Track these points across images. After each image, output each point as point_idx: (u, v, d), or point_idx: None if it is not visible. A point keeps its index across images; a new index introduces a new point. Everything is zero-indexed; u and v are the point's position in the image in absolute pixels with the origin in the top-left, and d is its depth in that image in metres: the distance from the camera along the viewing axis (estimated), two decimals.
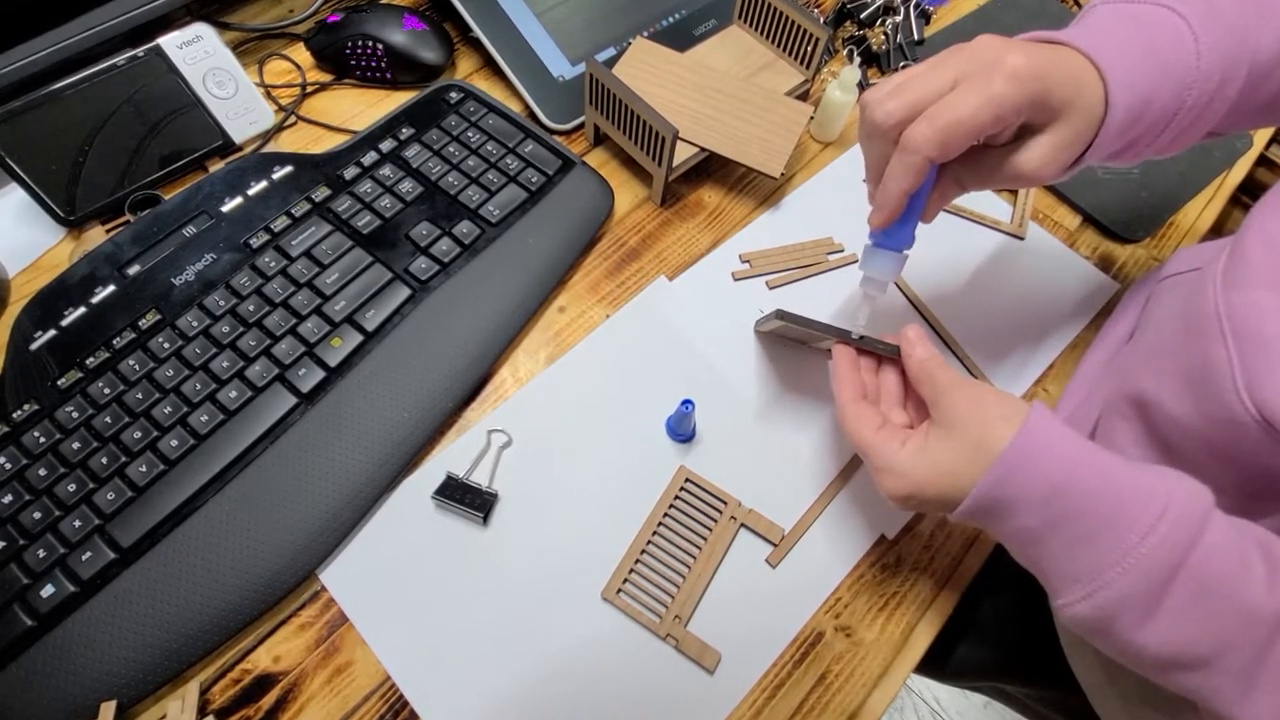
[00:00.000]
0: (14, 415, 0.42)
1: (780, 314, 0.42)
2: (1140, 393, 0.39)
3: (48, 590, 0.37)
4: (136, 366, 0.43)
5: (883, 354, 0.41)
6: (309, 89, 0.59)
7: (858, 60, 0.63)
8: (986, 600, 0.58)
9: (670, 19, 0.62)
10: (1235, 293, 0.34)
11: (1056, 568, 0.32)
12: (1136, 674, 0.43)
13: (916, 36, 0.65)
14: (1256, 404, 0.31)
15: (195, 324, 0.45)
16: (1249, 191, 0.69)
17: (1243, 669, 0.29)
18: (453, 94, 0.56)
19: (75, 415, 0.42)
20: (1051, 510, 0.31)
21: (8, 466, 0.40)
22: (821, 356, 0.49)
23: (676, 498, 0.44)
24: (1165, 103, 0.35)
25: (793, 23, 0.55)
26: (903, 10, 0.66)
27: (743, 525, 0.43)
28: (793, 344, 0.50)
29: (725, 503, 0.44)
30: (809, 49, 0.56)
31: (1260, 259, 0.34)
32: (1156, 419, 0.38)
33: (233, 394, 0.43)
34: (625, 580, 0.41)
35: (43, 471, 0.40)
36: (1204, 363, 0.34)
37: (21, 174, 0.47)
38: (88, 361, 0.43)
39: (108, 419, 0.42)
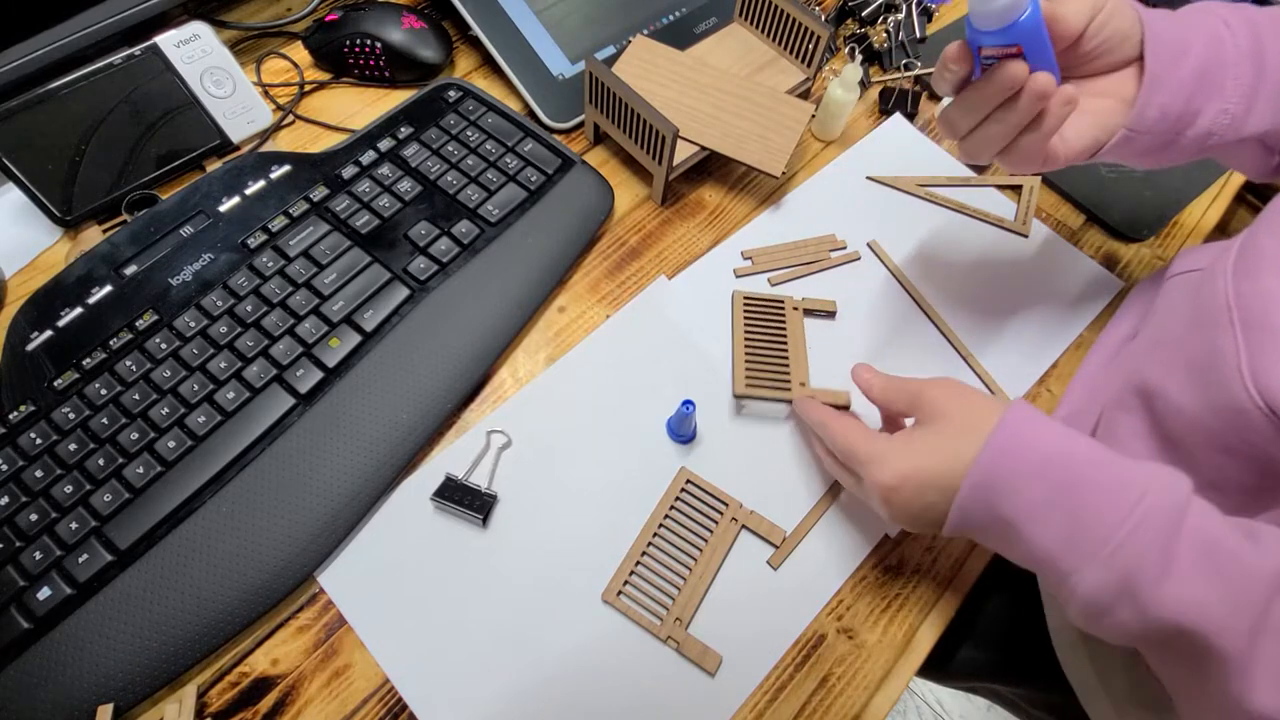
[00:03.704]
0: (10, 416, 0.41)
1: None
2: (1144, 384, 0.39)
3: (44, 593, 0.37)
4: (133, 367, 0.43)
5: (835, 405, 0.44)
6: (307, 88, 0.58)
7: (859, 58, 0.63)
8: (988, 602, 0.58)
9: (670, 16, 0.62)
10: (1246, 282, 0.33)
11: (1068, 540, 0.31)
12: (1127, 674, 0.43)
13: (918, 34, 0.65)
14: (1261, 391, 0.31)
15: (193, 324, 0.44)
16: (1254, 190, 0.68)
17: (1249, 631, 0.29)
18: (451, 93, 0.56)
19: (72, 416, 0.41)
20: (1056, 476, 0.31)
21: (4, 468, 0.40)
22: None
23: (677, 499, 0.43)
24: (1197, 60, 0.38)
25: (794, 20, 0.55)
26: (904, 8, 0.66)
27: (744, 527, 0.43)
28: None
29: (726, 504, 0.43)
30: (810, 47, 0.56)
31: (1273, 249, 0.33)
32: (1160, 411, 0.38)
33: (230, 395, 0.43)
34: (626, 582, 0.41)
35: (39, 473, 0.40)
36: (1210, 351, 0.34)
37: (18, 174, 0.47)
38: (84, 362, 0.43)
39: (104, 420, 0.41)
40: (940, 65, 0.36)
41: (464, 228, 0.50)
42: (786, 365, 0.47)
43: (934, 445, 0.35)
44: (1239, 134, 0.39)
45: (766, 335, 0.48)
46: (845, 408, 0.45)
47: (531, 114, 0.57)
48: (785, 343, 0.48)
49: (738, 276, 0.52)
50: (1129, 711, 0.43)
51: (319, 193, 0.50)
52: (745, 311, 0.49)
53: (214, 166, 0.53)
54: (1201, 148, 0.40)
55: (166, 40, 0.49)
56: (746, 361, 0.47)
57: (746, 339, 0.48)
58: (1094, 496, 0.31)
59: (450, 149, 0.53)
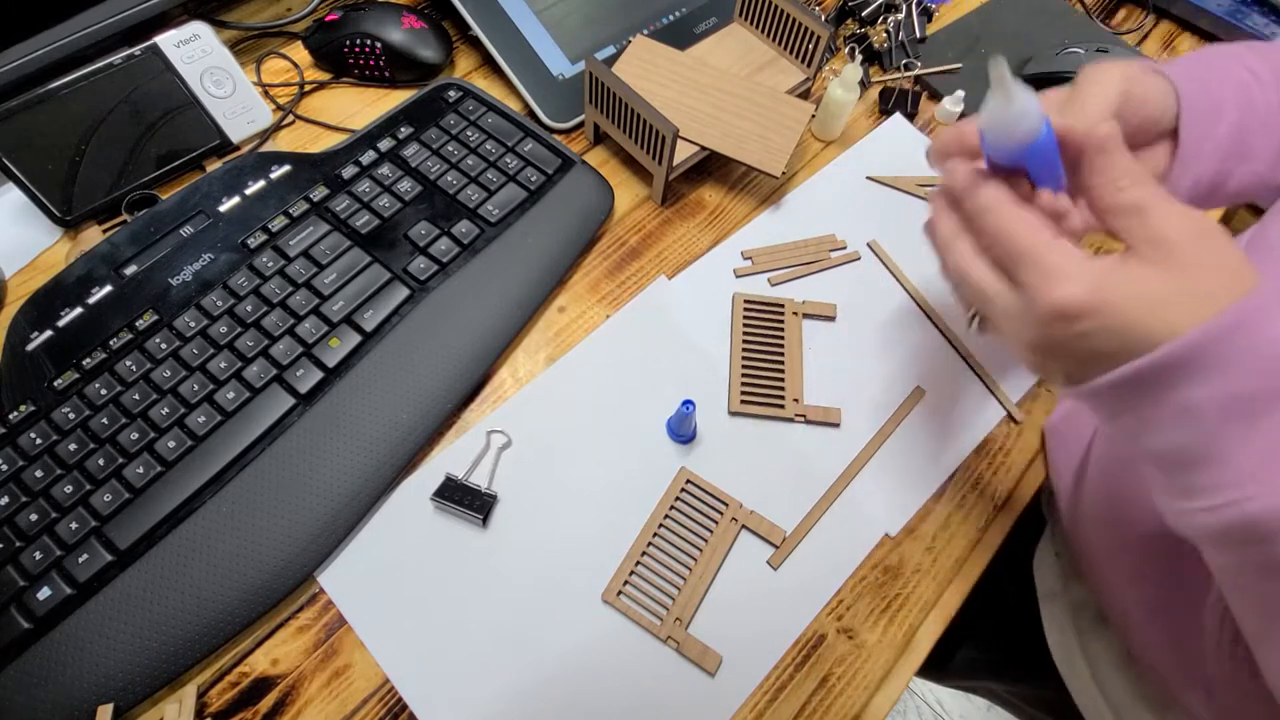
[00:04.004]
0: (10, 416, 0.41)
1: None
2: None
3: (44, 593, 0.37)
4: (133, 367, 0.43)
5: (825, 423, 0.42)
6: (307, 88, 0.58)
7: (859, 58, 0.63)
8: (988, 601, 0.58)
9: (670, 16, 0.62)
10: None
11: (1261, 449, 0.26)
12: (1123, 675, 0.43)
13: (918, 34, 0.65)
14: None
15: (193, 324, 0.44)
16: None
17: None
18: (451, 92, 0.56)
19: (72, 416, 0.41)
20: None
21: (4, 468, 0.40)
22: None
23: (677, 499, 0.43)
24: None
25: (794, 20, 0.55)
26: (904, 8, 0.66)
27: (744, 527, 0.43)
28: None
29: (726, 504, 0.43)
30: (810, 47, 0.55)
31: None
32: None
33: (230, 395, 0.43)
34: (626, 582, 0.41)
35: (39, 473, 0.40)
36: None
37: (18, 174, 0.47)
38: (84, 362, 0.43)
39: (104, 420, 0.41)
40: (939, 150, 0.33)
41: (464, 228, 0.50)
42: (782, 380, 0.47)
43: (1145, 289, 0.26)
44: (1266, 188, 0.38)
45: (764, 344, 0.49)
46: (836, 425, 0.45)
47: (531, 114, 0.57)
48: (782, 353, 0.48)
49: (738, 276, 0.52)
50: (1125, 712, 0.44)
51: (319, 193, 0.50)
52: (745, 316, 0.49)
53: (214, 166, 0.53)
54: (1227, 200, 0.39)
55: (166, 40, 0.49)
56: (743, 377, 0.47)
57: (745, 348, 0.48)
58: None
59: (450, 149, 0.53)
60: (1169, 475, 0.29)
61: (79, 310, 0.45)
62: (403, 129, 0.53)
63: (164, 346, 0.44)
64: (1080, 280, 0.27)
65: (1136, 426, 0.28)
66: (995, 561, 0.44)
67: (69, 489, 0.40)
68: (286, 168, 0.51)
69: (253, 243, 0.48)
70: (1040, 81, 0.62)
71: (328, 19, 0.58)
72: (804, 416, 0.46)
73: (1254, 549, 0.26)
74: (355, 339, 0.45)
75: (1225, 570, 0.29)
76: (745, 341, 0.49)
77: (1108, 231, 0.29)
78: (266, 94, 0.57)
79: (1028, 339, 0.29)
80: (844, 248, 0.54)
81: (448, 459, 0.44)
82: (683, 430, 0.44)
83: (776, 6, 0.56)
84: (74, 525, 0.39)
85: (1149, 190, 0.27)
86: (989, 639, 0.59)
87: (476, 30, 0.57)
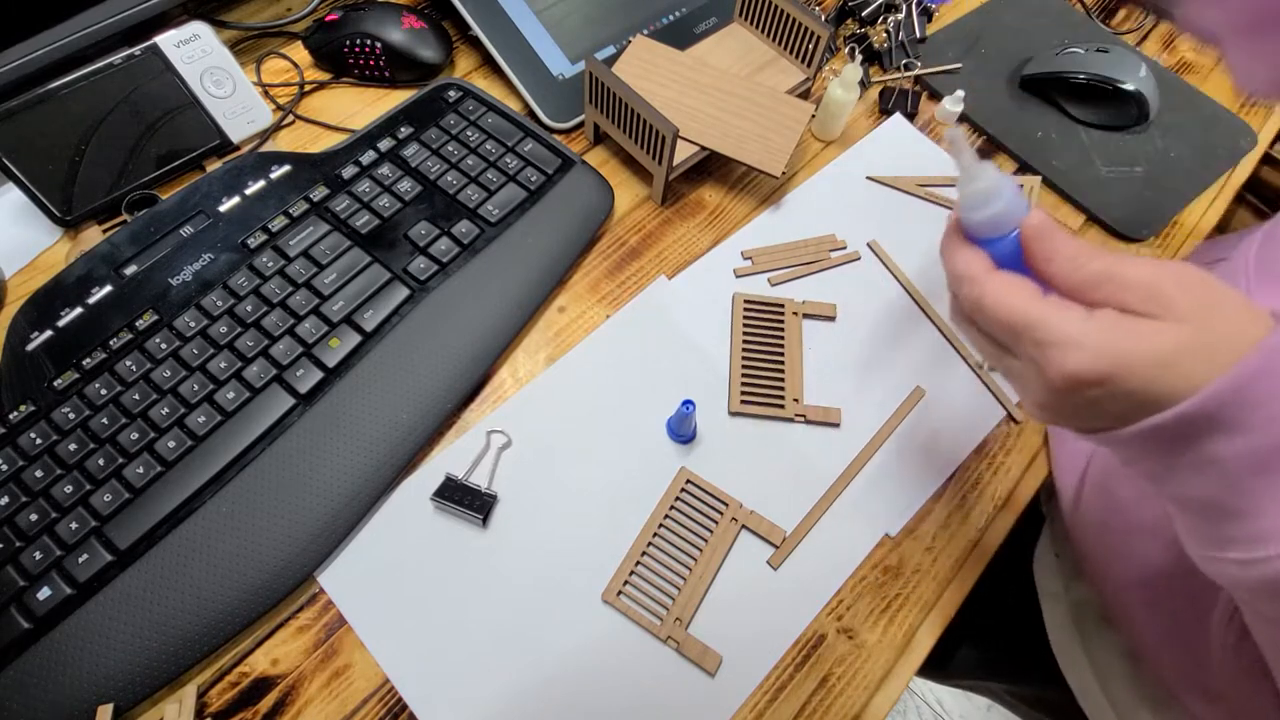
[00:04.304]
0: (10, 416, 0.41)
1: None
2: None
3: (44, 593, 0.37)
4: (133, 367, 0.43)
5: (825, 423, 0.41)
6: (307, 88, 0.58)
7: (859, 58, 0.63)
8: (988, 601, 0.58)
9: (670, 16, 0.62)
10: (1267, 273, 0.32)
11: None
12: (1126, 675, 0.43)
13: (918, 34, 0.65)
14: None
15: (193, 324, 0.44)
16: (1254, 190, 0.68)
17: None
18: (451, 92, 0.56)
19: (72, 416, 0.41)
20: None
21: (4, 468, 0.40)
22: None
23: (677, 499, 0.43)
24: None
25: (794, 20, 0.55)
26: (904, 8, 0.66)
27: (744, 527, 0.43)
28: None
29: (726, 504, 0.43)
30: (810, 47, 0.55)
31: None
32: None
33: (230, 395, 0.43)
34: (626, 582, 0.41)
35: (39, 473, 0.40)
36: None
37: (18, 174, 0.47)
38: (84, 362, 0.43)
39: (104, 420, 0.41)
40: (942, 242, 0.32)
41: (464, 228, 0.50)
42: (782, 380, 0.47)
43: (1160, 345, 0.25)
44: None
45: (764, 344, 0.49)
46: (836, 425, 0.45)
47: (531, 114, 0.57)
48: (782, 353, 0.48)
49: (738, 276, 0.52)
50: (1128, 712, 0.43)
51: (319, 193, 0.50)
52: (745, 316, 0.49)
53: (214, 166, 0.53)
54: None
55: (166, 40, 0.49)
56: (743, 377, 0.47)
57: (745, 348, 0.48)
58: None
59: (450, 149, 0.53)
60: (1197, 521, 0.27)
61: (79, 310, 0.45)
62: (403, 129, 0.53)
63: (164, 346, 0.44)
64: (1088, 347, 0.26)
65: (1159, 474, 0.27)
66: (995, 561, 0.44)
67: (69, 489, 0.40)
68: (286, 168, 0.51)
69: (253, 243, 0.48)
70: (1040, 82, 0.62)
71: (328, 19, 0.58)
72: (804, 416, 0.46)
73: None
74: (355, 339, 0.45)
75: (1258, 617, 0.28)
76: (745, 341, 0.49)
77: (1090, 306, 0.27)
78: (266, 94, 0.57)
79: (1040, 401, 0.29)
80: (844, 248, 0.54)
81: (448, 459, 0.44)
82: (683, 430, 0.44)
83: (776, 6, 0.56)
84: (74, 525, 0.39)
85: (1108, 257, 0.27)
86: (989, 638, 0.59)
87: (476, 30, 0.57)
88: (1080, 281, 0.27)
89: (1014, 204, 0.28)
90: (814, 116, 0.58)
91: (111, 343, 0.44)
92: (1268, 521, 0.25)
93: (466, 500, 0.42)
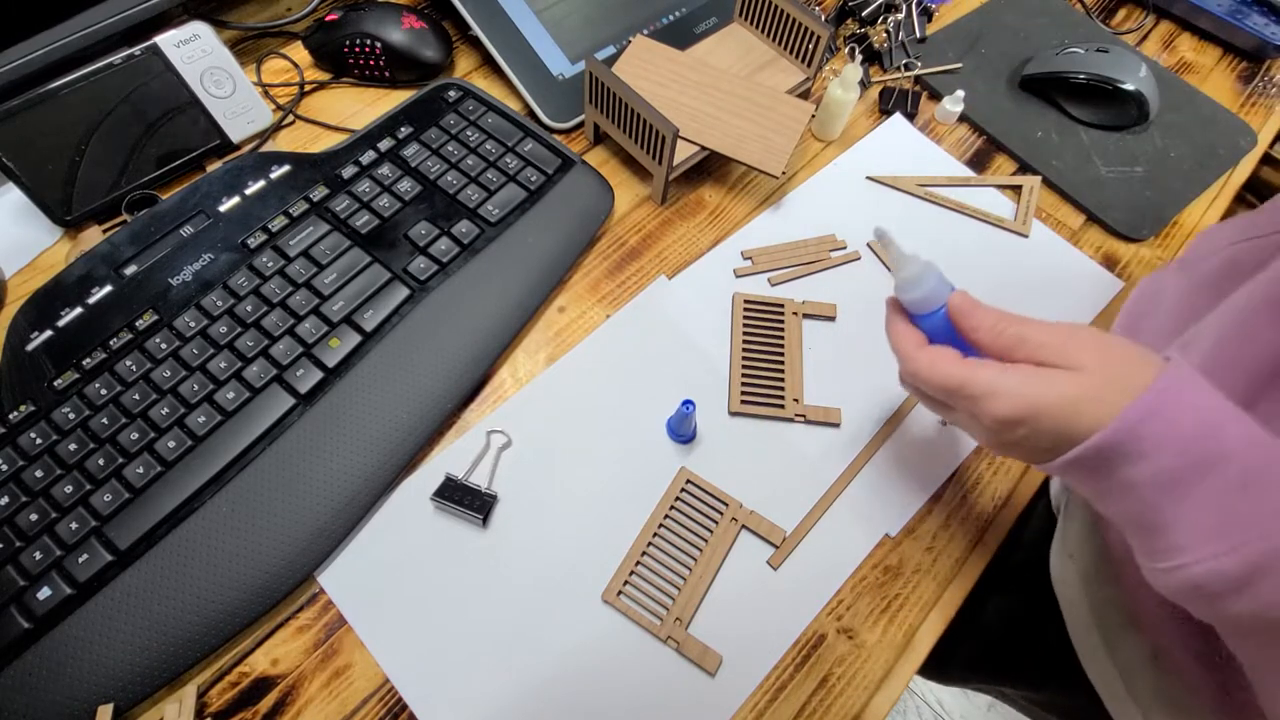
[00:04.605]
0: (10, 416, 0.41)
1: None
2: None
3: (44, 593, 0.37)
4: (133, 367, 0.43)
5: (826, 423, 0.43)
6: (307, 88, 0.58)
7: (859, 58, 0.63)
8: (988, 601, 0.57)
9: (670, 17, 0.62)
10: None
11: (1194, 519, 0.28)
12: (1151, 674, 0.43)
13: (918, 34, 0.65)
14: None
15: (193, 324, 0.44)
16: (1254, 190, 0.68)
17: None
18: (451, 92, 0.56)
19: (72, 416, 0.41)
20: (1203, 449, 0.28)
21: (4, 468, 0.40)
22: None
23: (677, 499, 0.43)
24: None
25: (794, 20, 0.55)
26: (904, 8, 0.66)
27: (744, 527, 0.43)
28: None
29: (726, 504, 0.43)
30: (810, 47, 0.55)
31: None
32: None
33: (230, 395, 0.43)
34: (626, 582, 0.41)
35: (39, 473, 0.40)
36: None
37: (18, 174, 0.47)
38: (84, 362, 0.43)
39: (104, 420, 0.41)
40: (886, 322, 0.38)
41: (464, 228, 0.50)
42: (782, 380, 0.47)
43: (1065, 391, 0.30)
44: None
45: (764, 345, 0.49)
46: (836, 425, 0.46)
47: (531, 114, 0.57)
48: (782, 353, 0.48)
49: (738, 276, 0.52)
50: (1154, 713, 0.43)
51: (319, 193, 0.50)
52: (745, 316, 0.50)
53: (214, 166, 0.53)
54: None
55: (166, 40, 0.49)
56: (743, 377, 0.47)
57: (745, 349, 0.48)
58: (1247, 470, 0.28)
59: (450, 149, 0.53)
60: (1133, 537, 0.32)
61: (79, 310, 0.45)
62: (403, 129, 0.53)
63: (164, 346, 0.44)
64: (1008, 394, 0.31)
65: (1096, 497, 0.32)
66: (998, 561, 0.44)
67: (69, 489, 0.40)
68: (286, 168, 0.51)
69: (253, 243, 0.48)
70: (1040, 81, 0.62)
71: (328, 19, 0.58)
72: (804, 416, 0.46)
73: (1208, 607, 0.29)
74: (355, 339, 0.45)
75: (1218, 627, 0.31)
76: (745, 341, 0.49)
77: (1021, 360, 0.33)
78: (266, 94, 0.57)
79: (985, 440, 0.35)
80: (844, 248, 0.54)
81: (448, 459, 0.44)
82: (683, 430, 0.44)
83: (776, 6, 0.56)
84: (74, 525, 0.39)
85: (1023, 323, 0.33)
86: (993, 639, 0.59)
87: (476, 30, 0.57)
88: (1002, 346, 0.33)
89: (939, 286, 0.35)
90: (814, 116, 0.58)
91: (111, 343, 0.44)
92: (1178, 534, 0.29)
93: (466, 500, 0.42)
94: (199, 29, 0.50)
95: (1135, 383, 0.29)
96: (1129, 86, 0.58)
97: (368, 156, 0.52)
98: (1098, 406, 0.29)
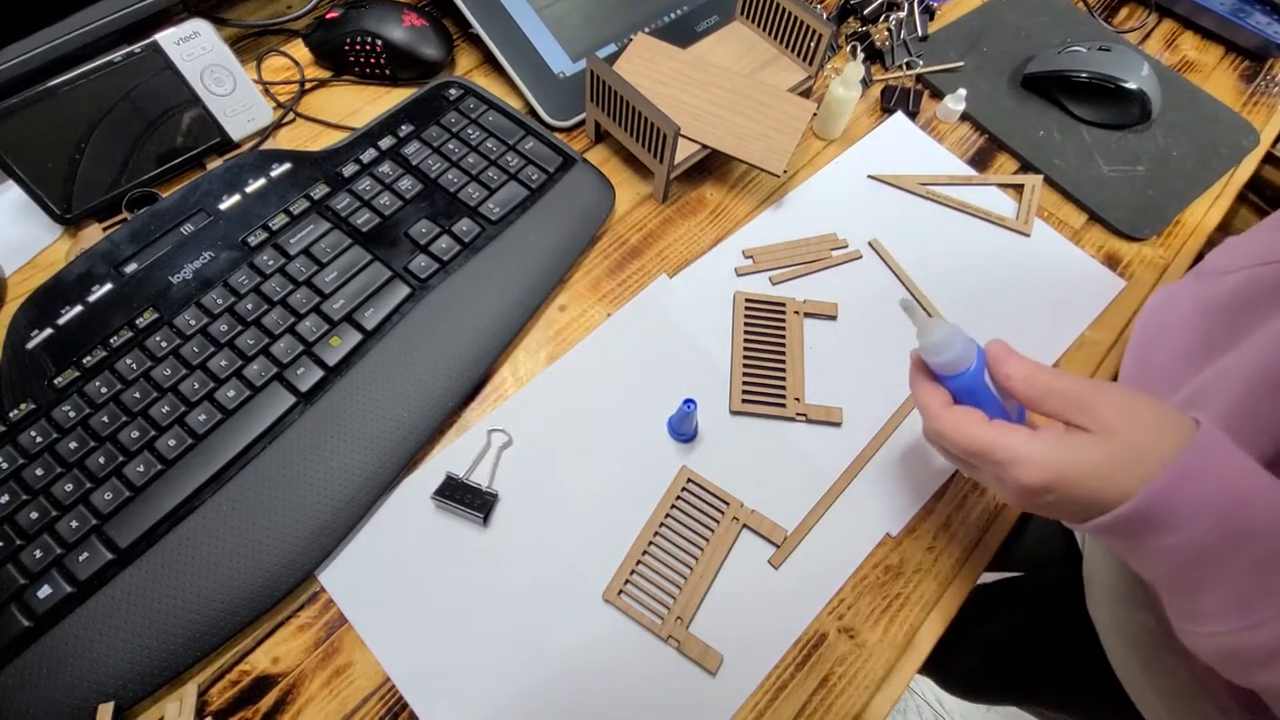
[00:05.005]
0: (10, 415, 0.41)
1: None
2: None
3: (44, 591, 0.37)
4: (134, 365, 0.43)
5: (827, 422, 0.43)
6: (307, 86, 0.58)
7: (861, 56, 0.63)
8: (982, 607, 0.57)
9: (672, 15, 0.62)
10: None
11: (1224, 592, 0.29)
12: (1187, 693, 0.42)
13: (920, 33, 0.65)
14: None
15: (193, 322, 0.44)
16: (1256, 189, 0.68)
17: None
18: (452, 90, 0.56)
19: (72, 414, 0.41)
20: (1234, 524, 0.28)
21: (4, 466, 0.40)
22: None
23: (678, 498, 0.43)
24: None
25: (796, 19, 0.55)
26: (906, 6, 0.66)
27: (745, 526, 0.43)
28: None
29: (727, 503, 0.43)
30: (812, 45, 0.55)
31: None
32: None
33: (231, 393, 0.43)
34: (627, 581, 0.41)
35: (39, 471, 0.40)
36: None
37: (18, 171, 0.47)
38: (85, 360, 0.43)
39: (105, 418, 0.41)
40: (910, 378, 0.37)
41: (465, 226, 0.50)
42: (783, 379, 0.47)
43: (1093, 457, 0.30)
44: None
45: (766, 344, 0.49)
46: (837, 425, 0.46)
47: (532, 112, 0.57)
48: (783, 352, 0.48)
49: (739, 275, 0.52)
50: None
51: (319, 191, 0.50)
52: (746, 315, 0.49)
53: (214, 164, 0.53)
54: None
55: (167, 38, 0.49)
56: (744, 377, 0.47)
57: (746, 348, 0.48)
58: (1274, 554, 0.28)
59: (451, 147, 0.53)
60: (1164, 595, 0.32)
61: (79, 308, 0.45)
62: (403, 127, 0.53)
63: (164, 345, 0.44)
64: (1035, 462, 0.31)
65: (1127, 556, 0.32)
66: (998, 561, 0.44)
67: (69, 487, 0.40)
68: (287, 166, 0.51)
69: (253, 241, 0.48)
70: (1042, 80, 0.61)
71: (328, 16, 0.58)
72: (805, 415, 0.46)
73: (1240, 674, 0.29)
74: (356, 337, 0.45)
75: (1245, 684, 0.31)
76: (746, 340, 0.49)
77: (1044, 415, 0.33)
78: (267, 92, 0.57)
79: (1012, 503, 0.35)
80: (845, 246, 0.54)
81: (448, 458, 0.44)
82: (684, 429, 0.44)
83: (778, 5, 0.55)
84: (74, 523, 0.39)
85: (1056, 376, 0.32)
86: (997, 655, 0.58)
87: (477, 28, 0.57)
88: (1034, 396, 0.33)
89: (965, 350, 0.34)
90: (815, 115, 0.58)
91: (112, 341, 0.44)
92: (1207, 603, 0.29)
93: (467, 499, 0.42)
94: (199, 26, 0.50)
95: (1164, 448, 0.29)
96: (1131, 85, 0.58)
97: (368, 154, 0.52)
98: (1126, 474, 0.29)
